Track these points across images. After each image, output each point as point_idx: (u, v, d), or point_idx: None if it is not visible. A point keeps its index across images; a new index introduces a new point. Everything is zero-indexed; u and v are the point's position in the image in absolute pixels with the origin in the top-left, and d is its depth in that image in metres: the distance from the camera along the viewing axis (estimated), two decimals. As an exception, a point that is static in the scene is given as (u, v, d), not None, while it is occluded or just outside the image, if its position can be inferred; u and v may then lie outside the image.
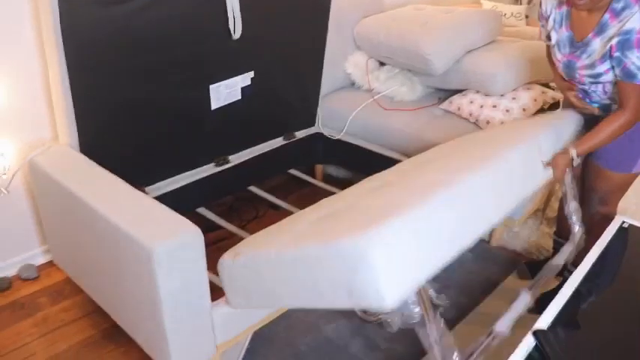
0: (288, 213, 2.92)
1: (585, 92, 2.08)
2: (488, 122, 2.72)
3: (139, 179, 2.25)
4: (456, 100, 2.93)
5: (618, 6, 1.80)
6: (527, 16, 5.17)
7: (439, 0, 4.44)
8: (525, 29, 4.71)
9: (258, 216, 2.95)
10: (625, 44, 1.79)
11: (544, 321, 1.52)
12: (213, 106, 2.56)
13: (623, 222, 2.04)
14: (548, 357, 1.39)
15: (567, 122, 2.17)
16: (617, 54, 1.82)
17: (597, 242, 1.91)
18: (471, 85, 2.88)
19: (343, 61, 3.25)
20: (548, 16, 2.06)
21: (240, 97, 2.65)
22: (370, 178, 2.01)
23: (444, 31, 2.84)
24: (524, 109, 2.70)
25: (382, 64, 3.26)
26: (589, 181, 2.26)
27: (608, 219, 2.13)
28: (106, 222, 1.72)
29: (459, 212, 1.51)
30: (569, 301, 1.62)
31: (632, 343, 1.51)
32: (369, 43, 3.17)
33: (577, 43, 1.97)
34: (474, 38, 2.90)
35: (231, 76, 2.56)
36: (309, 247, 1.40)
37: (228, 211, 2.96)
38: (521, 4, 5.53)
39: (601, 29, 1.86)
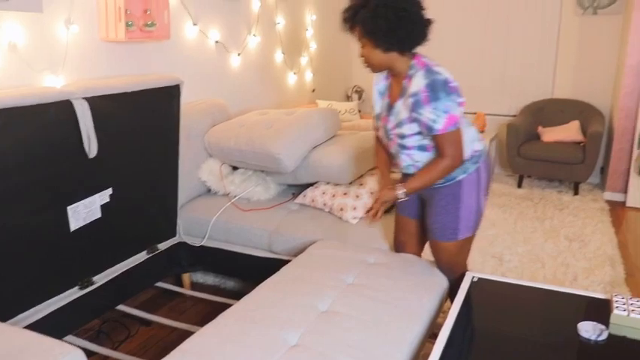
0: (161, 327, 2.90)
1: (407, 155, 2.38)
2: (341, 209, 2.95)
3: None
4: (309, 193, 3.14)
5: (411, 72, 2.19)
6: (359, 111, 5.71)
7: (279, 103, 4.80)
8: (360, 122, 5.21)
9: (130, 335, 2.85)
10: (416, 104, 2.15)
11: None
12: (72, 227, 2.51)
13: (473, 277, 2.30)
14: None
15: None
16: (414, 114, 2.17)
17: (455, 299, 2.13)
18: (320, 178, 3.11)
19: (197, 169, 3.36)
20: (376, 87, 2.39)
21: (100, 215, 2.63)
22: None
23: (289, 131, 3.07)
24: (371, 193, 2.97)
25: (235, 168, 3.42)
26: (434, 256, 2.53)
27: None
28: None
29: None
30: (445, 351, 1.79)
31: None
32: (219, 149, 3.31)
33: (390, 108, 2.31)
34: (317, 135, 3.17)
35: (89, 195, 2.55)
36: None
37: (97, 336, 2.84)
38: (352, 100, 6.10)
39: (402, 93, 2.23)
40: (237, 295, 3.18)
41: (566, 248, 3.90)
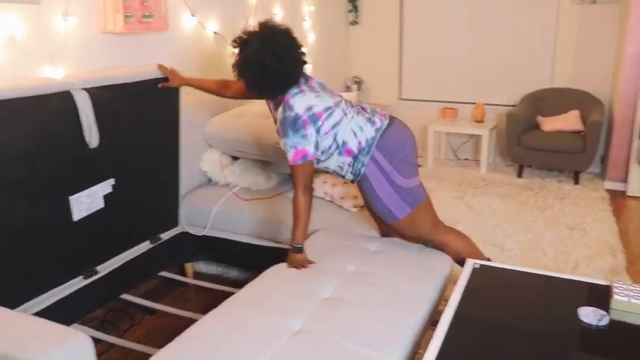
0: (165, 316, 2.91)
1: None
2: (342, 198, 2.96)
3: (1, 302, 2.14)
4: (310, 182, 3.15)
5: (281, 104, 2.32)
6: (359, 101, 5.71)
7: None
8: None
9: (134, 324, 2.87)
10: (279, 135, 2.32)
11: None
12: (75, 217, 2.52)
13: (475, 264, 2.31)
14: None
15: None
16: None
17: (457, 284, 2.15)
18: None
19: (197, 160, 3.37)
20: None
21: (102, 206, 2.64)
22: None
23: (290, 121, 3.07)
24: (371, 182, 2.98)
25: (235, 158, 3.43)
26: None
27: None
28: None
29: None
30: (446, 338, 1.80)
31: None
32: (219, 140, 3.32)
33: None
34: (317, 124, 3.17)
35: (91, 185, 2.56)
36: None
37: (102, 324, 2.85)
38: (352, 91, 6.10)
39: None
40: (240, 284, 3.18)
41: (567, 237, 3.91)
